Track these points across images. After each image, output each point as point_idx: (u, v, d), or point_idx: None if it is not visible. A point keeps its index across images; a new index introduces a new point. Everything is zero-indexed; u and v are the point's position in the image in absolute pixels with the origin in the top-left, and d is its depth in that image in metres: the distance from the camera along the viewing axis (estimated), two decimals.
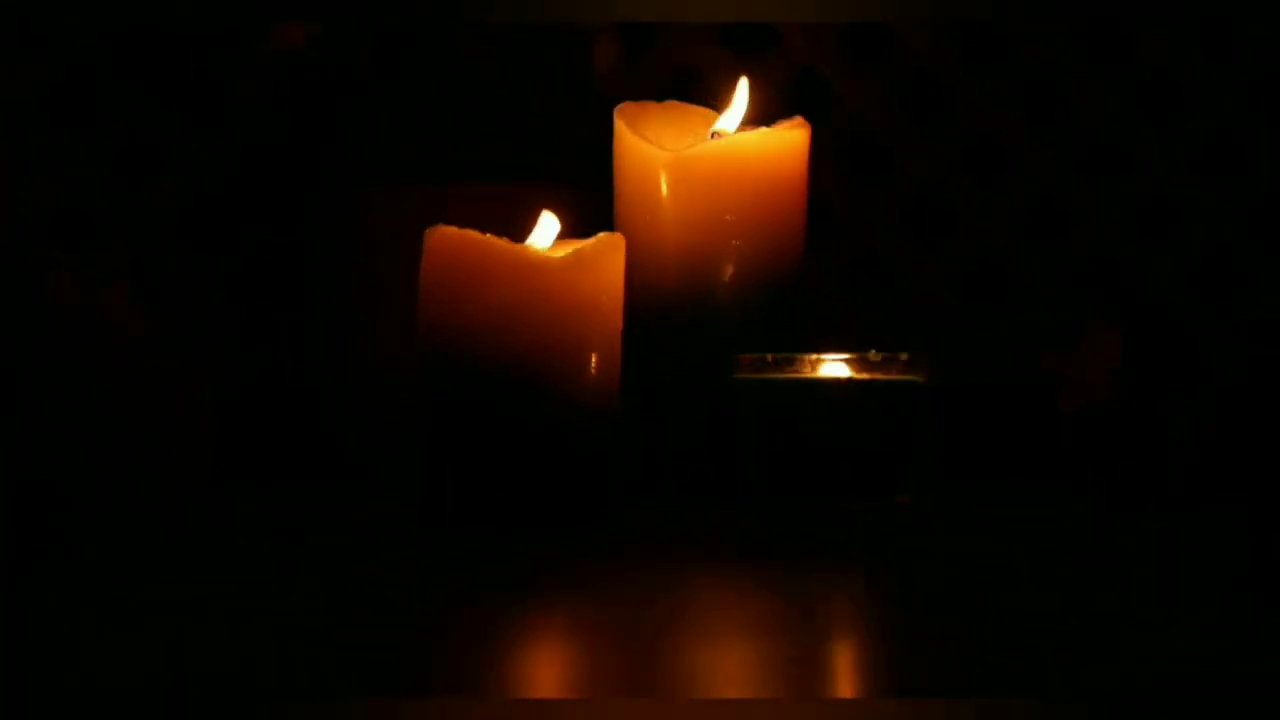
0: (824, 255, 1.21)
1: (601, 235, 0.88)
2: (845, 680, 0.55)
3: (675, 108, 1.02)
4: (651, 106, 1.02)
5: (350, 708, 0.50)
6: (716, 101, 1.02)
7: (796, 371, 0.90)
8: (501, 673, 0.56)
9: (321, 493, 1.06)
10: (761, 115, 1.02)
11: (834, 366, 0.90)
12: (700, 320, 0.97)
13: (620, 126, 0.99)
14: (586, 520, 0.86)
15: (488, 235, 0.86)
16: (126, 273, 1.12)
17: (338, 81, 1.22)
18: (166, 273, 1.20)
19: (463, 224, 0.86)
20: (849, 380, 0.89)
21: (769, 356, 0.90)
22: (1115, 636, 0.60)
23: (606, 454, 0.87)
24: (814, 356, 0.90)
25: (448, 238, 0.86)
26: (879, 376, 0.89)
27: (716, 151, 0.98)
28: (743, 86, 1.00)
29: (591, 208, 1.05)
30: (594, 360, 0.86)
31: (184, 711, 0.50)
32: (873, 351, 0.90)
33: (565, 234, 0.90)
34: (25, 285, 0.95)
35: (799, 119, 0.99)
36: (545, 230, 0.89)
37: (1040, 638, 0.60)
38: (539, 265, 0.86)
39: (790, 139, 0.98)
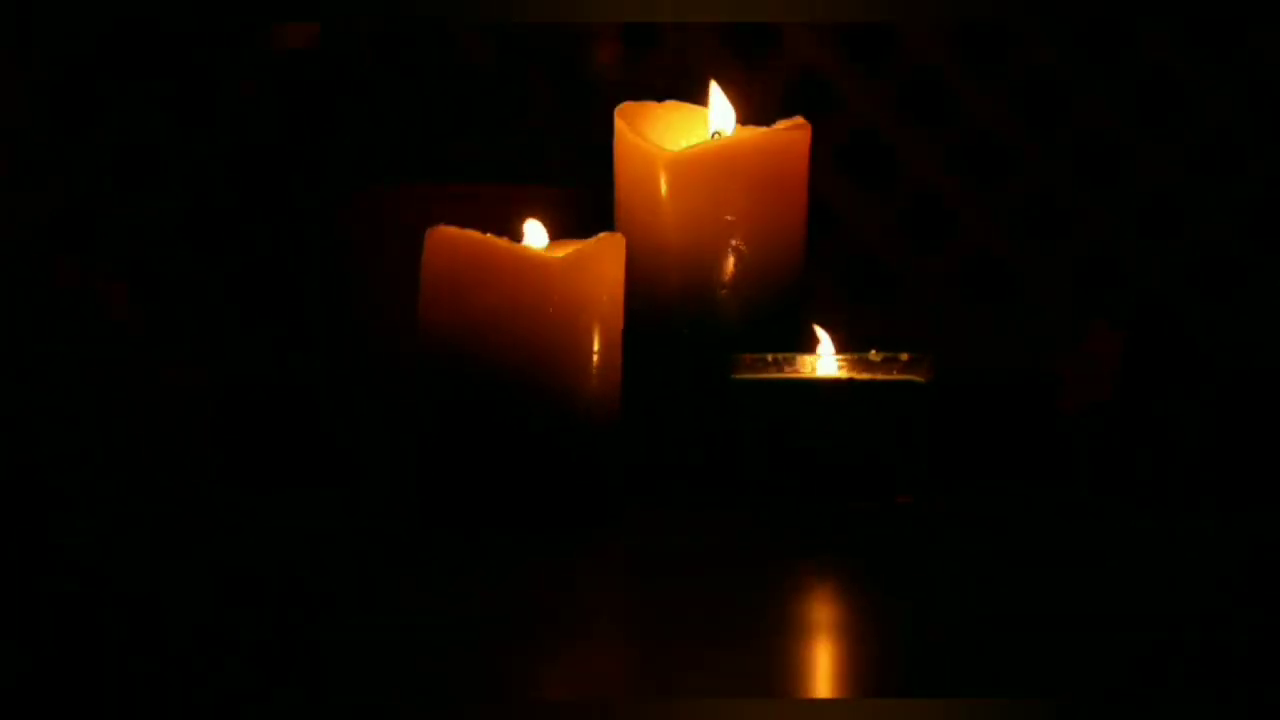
0: (824, 255, 1.21)
1: (601, 235, 0.88)
2: (844, 680, 0.55)
3: (675, 108, 1.02)
4: (651, 106, 1.02)
5: (349, 708, 0.50)
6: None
7: (796, 371, 0.90)
8: (501, 673, 0.56)
9: (320, 493, 1.06)
10: (761, 115, 1.02)
11: (834, 366, 0.90)
12: (700, 320, 0.97)
13: (620, 126, 0.99)
14: (587, 520, 0.86)
15: (488, 235, 0.86)
16: (126, 273, 1.12)
17: (337, 81, 1.22)
18: (166, 273, 1.20)
19: (462, 224, 0.86)
20: (849, 380, 0.89)
21: (769, 357, 0.90)
22: (1115, 636, 0.60)
23: (607, 454, 0.87)
24: (814, 356, 0.90)
25: (448, 238, 0.86)
26: (879, 376, 0.89)
27: (716, 151, 0.98)
28: (714, 91, 1.00)
29: (591, 208, 1.05)
30: (594, 360, 0.86)
31: (182, 712, 0.50)
32: (873, 351, 0.90)
33: (565, 234, 0.90)
34: (26, 285, 0.95)
35: (799, 119, 0.99)
36: (533, 238, 0.89)
37: (1040, 637, 0.60)
38: (539, 265, 0.86)
39: (790, 139, 0.98)
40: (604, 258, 0.87)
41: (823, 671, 0.57)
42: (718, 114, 1.00)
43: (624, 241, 0.89)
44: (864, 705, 0.51)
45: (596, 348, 0.87)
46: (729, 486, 0.94)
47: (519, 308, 0.85)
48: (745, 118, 1.01)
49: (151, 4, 1.18)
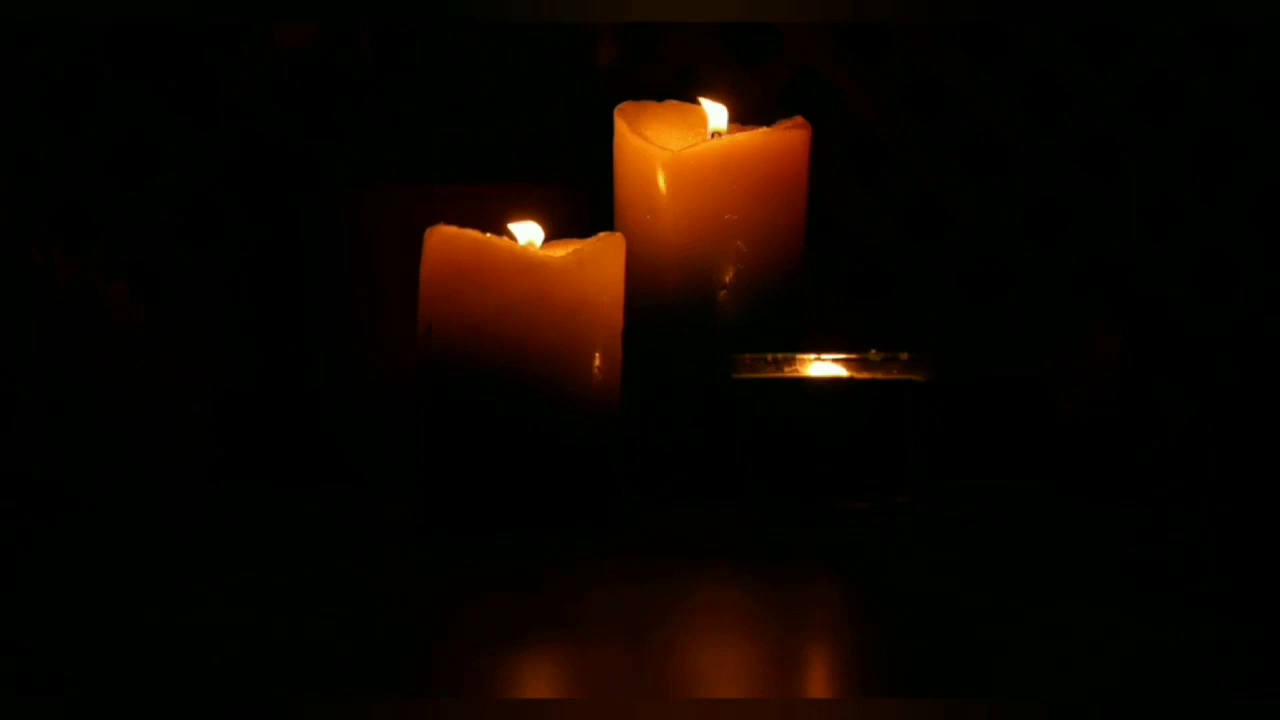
0: (824, 255, 1.21)
1: (601, 235, 0.88)
2: (844, 680, 0.55)
3: (675, 108, 1.02)
4: (651, 106, 1.02)
5: (349, 707, 0.50)
6: (716, 102, 1.02)
7: (796, 371, 0.90)
8: (501, 672, 0.56)
9: (321, 493, 1.06)
10: (761, 115, 1.02)
11: (834, 366, 0.90)
12: (700, 320, 0.97)
13: (620, 126, 0.99)
14: (586, 520, 0.86)
15: (488, 235, 0.86)
16: (126, 271, 1.12)
17: (336, 81, 1.22)
18: (166, 271, 1.20)
19: (462, 224, 0.86)
20: (849, 380, 0.89)
21: (769, 356, 0.90)
22: (1115, 635, 0.60)
23: (607, 454, 0.87)
24: (814, 356, 0.90)
25: (448, 238, 0.86)
26: (879, 376, 0.89)
27: (716, 151, 0.98)
28: (708, 108, 1.00)
29: (591, 208, 1.05)
30: (594, 360, 0.86)
31: (182, 710, 0.50)
32: (873, 351, 0.90)
33: (565, 234, 0.90)
34: (25, 284, 0.95)
35: (799, 119, 0.99)
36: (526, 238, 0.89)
37: (1039, 637, 0.60)
38: (539, 265, 0.86)
39: (790, 139, 0.98)
40: (604, 258, 0.87)
41: (822, 671, 0.57)
42: (716, 118, 1.00)
43: (624, 241, 0.89)
44: (864, 705, 0.51)
45: (596, 348, 0.87)
46: (729, 486, 0.94)
47: (519, 308, 0.85)
48: (745, 118, 1.01)
49: (151, 4, 1.18)
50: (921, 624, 0.64)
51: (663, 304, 0.97)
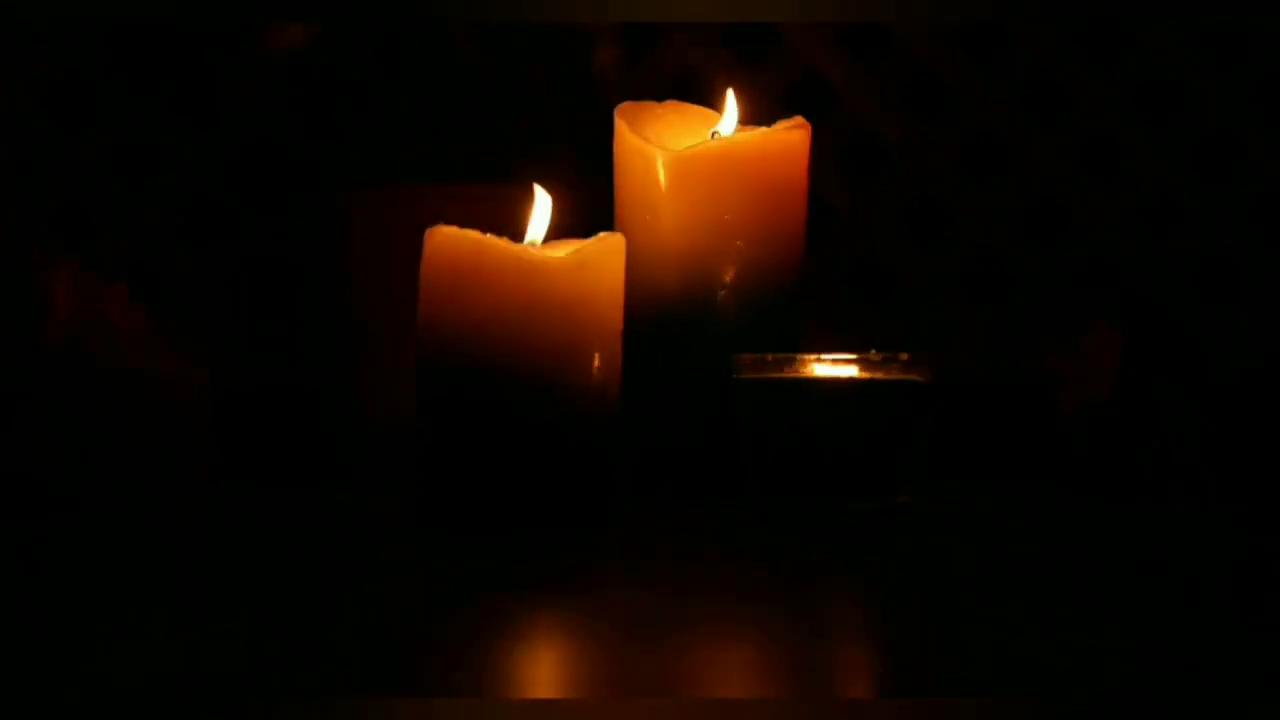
0: (824, 255, 1.21)
1: (601, 235, 0.88)
2: (845, 680, 0.55)
3: (675, 108, 1.02)
4: (651, 106, 1.02)
5: (348, 707, 0.50)
6: (716, 102, 1.02)
7: (796, 371, 0.90)
8: (501, 673, 0.56)
9: (320, 493, 1.06)
10: (761, 115, 1.02)
11: (834, 367, 0.90)
12: (700, 320, 0.97)
13: (620, 126, 0.99)
14: (586, 520, 0.86)
15: (488, 235, 0.86)
16: (126, 273, 1.12)
17: (336, 81, 1.22)
18: (166, 273, 1.20)
19: (462, 224, 0.86)
20: (849, 380, 0.89)
21: (769, 356, 0.90)
22: (1115, 635, 0.60)
23: (606, 454, 0.87)
24: (814, 356, 0.90)
25: (448, 238, 0.86)
26: (879, 376, 0.89)
27: (716, 151, 0.98)
28: (730, 100, 1.00)
29: (591, 208, 1.05)
30: (594, 360, 0.86)
31: (181, 710, 0.50)
32: (873, 351, 0.90)
33: (565, 234, 0.90)
34: (25, 285, 0.95)
35: (799, 119, 0.99)
36: (540, 213, 0.89)
37: (1040, 637, 0.60)
38: (539, 265, 0.86)
39: (790, 139, 0.98)
40: (604, 258, 0.87)
41: (823, 672, 0.57)
42: (729, 120, 1.00)
43: (624, 241, 0.89)
44: (864, 705, 0.51)
45: (596, 348, 0.86)
46: (729, 486, 0.94)
47: (519, 308, 0.85)
48: (745, 118, 1.01)
49: (151, 4, 1.18)
50: (922, 624, 0.64)
51: (663, 304, 0.97)
